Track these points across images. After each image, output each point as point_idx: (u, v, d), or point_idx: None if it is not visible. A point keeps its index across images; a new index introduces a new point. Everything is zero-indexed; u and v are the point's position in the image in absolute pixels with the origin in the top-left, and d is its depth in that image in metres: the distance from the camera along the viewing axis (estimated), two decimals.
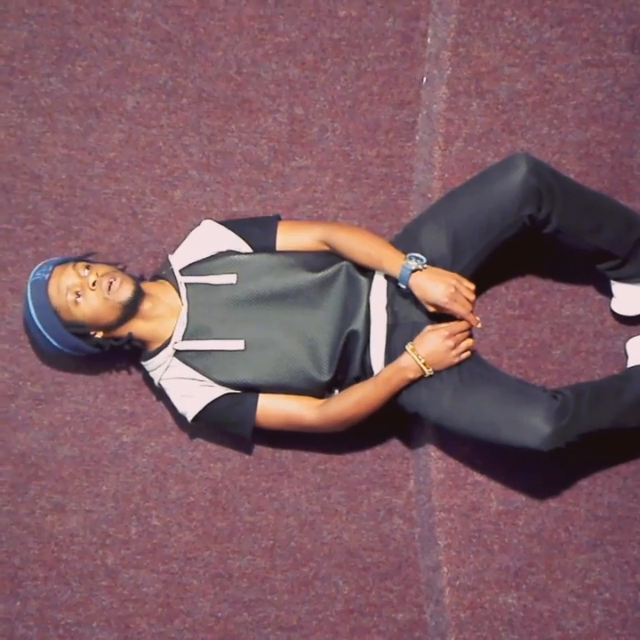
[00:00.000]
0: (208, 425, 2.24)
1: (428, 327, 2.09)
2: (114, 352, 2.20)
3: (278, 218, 2.25)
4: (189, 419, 2.17)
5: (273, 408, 2.15)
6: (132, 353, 2.23)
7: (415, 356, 2.07)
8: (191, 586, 2.33)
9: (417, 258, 2.07)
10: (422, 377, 2.08)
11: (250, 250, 2.19)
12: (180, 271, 2.18)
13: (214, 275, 2.16)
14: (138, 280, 2.14)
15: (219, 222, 2.22)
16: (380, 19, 2.38)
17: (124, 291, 2.07)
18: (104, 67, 2.37)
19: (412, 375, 2.08)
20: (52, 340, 2.13)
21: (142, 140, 2.38)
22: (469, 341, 2.10)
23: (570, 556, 2.26)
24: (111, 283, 2.07)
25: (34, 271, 2.15)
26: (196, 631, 2.32)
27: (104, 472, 2.33)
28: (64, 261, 2.16)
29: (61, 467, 2.33)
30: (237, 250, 2.19)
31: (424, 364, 2.07)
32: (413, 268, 2.06)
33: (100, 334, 2.13)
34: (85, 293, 2.07)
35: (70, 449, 2.33)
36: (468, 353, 2.10)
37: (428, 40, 2.38)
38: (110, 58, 2.38)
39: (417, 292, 2.07)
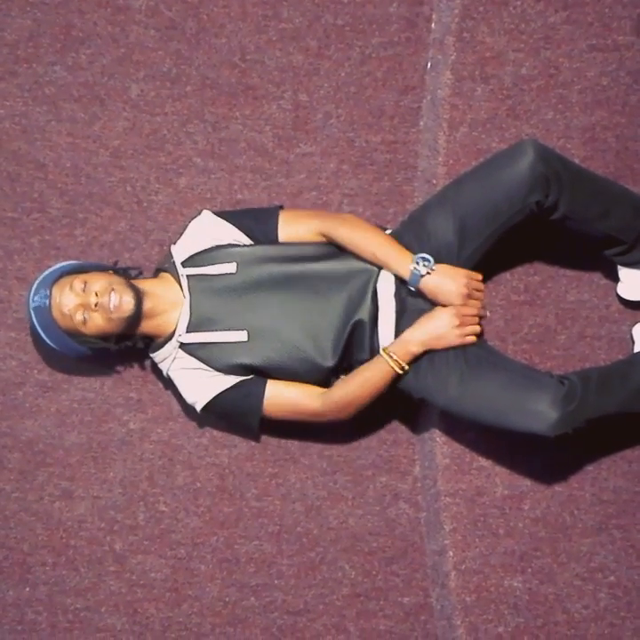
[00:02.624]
0: (216, 416, 2.21)
1: (438, 307, 2.07)
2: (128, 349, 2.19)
3: (280, 207, 2.21)
4: (199, 409, 2.15)
5: (280, 396, 2.12)
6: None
7: (388, 359, 2.05)
8: (199, 571, 2.31)
9: (424, 259, 2.04)
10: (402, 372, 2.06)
11: (251, 241, 2.16)
12: (182, 263, 2.15)
13: (214, 265, 2.13)
14: (136, 289, 2.09)
15: (218, 214, 2.18)
16: (384, 4, 2.34)
17: (126, 305, 2.05)
18: (108, 55, 2.34)
19: (399, 369, 2.05)
20: (68, 354, 2.15)
21: (147, 128, 2.35)
22: (476, 328, 2.08)
23: (575, 540, 2.24)
24: (111, 299, 2.04)
25: (31, 294, 2.11)
26: (203, 615, 2.30)
27: (111, 459, 2.32)
28: (58, 276, 2.10)
29: (69, 453, 2.31)
30: (238, 242, 2.16)
31: (400, 360, 2.04)
32: (423, 272, 2.03)
33: (111, 342, 2.12)
34: (89, 315, 2.05)
35: (78, 436, 2.31)
36: (473, 338, 2.07)
37: (433, 25, 2.34)
38: (114, 46, 2.34)
39: (429, 296, 2.06)
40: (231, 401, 2.13)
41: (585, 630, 2.22)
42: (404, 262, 2.05)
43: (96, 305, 2.04)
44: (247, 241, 2.16)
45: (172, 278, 2.15)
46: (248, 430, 2.26)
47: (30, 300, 2.10)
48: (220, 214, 2.18)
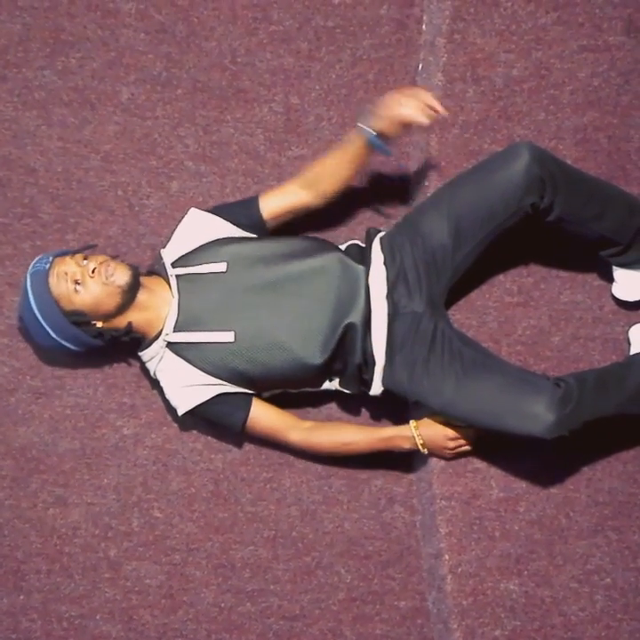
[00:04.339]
0: (198, 420, 2.19)
1: (439, 420, 2.10)
2: (113, 344, 2.13)
3: (256, 197, 2.16)
4: (179, 414, 2.12)
5: (262, 421, 2.12)
6: (130, 345, 2.15)
7: (416, 435, 2.10)
8: (194, 577, 2.26)
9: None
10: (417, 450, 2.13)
11: (242, 233, 2.12)
12: (172, 264, 2.11)
13: (204, 264, 2.09)
14: (135, 267, 2.08)
15: (205, 209, 2.15)
16: (375, 6, 2.30)
17: (123, 275, 2.03)
18: (98, 58, 2.30)
19: (407, 446, 2.13)
20: (50, 331, 2.06)
21: (138, 132, 2.30)
22: (467, 448, 2.13)
23: (571, 542, 2.19)
24: (108, 267, 2.02)
25: (33, 263, 2.09)
26: (199, 622, 2.25)
27: (105, 465, 2.26)
28: (63, 253, 2.10)
29: (62, 460, 2.25)
30: (229, 236, 2.11)
31: (422, 444, 2.11)
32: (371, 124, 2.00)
33: (99, 323, 2.07)
34: (85, 281, 2.02)
35: (71, 442, 2.26)
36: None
37: (424, 27, 2.30)
38: (104, 49, 2.29)
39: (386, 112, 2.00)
40: (213, 414, 2.11)
41: (581, 633, 2.17)
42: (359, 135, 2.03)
43: (93, 271, 2.01)
44: (237, 232, 2.12)
45: (162, 279, 2.12)
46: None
47: (30, 267, 2.08)
48: (210, 210, 2.15)
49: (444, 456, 2.15)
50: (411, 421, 2.12)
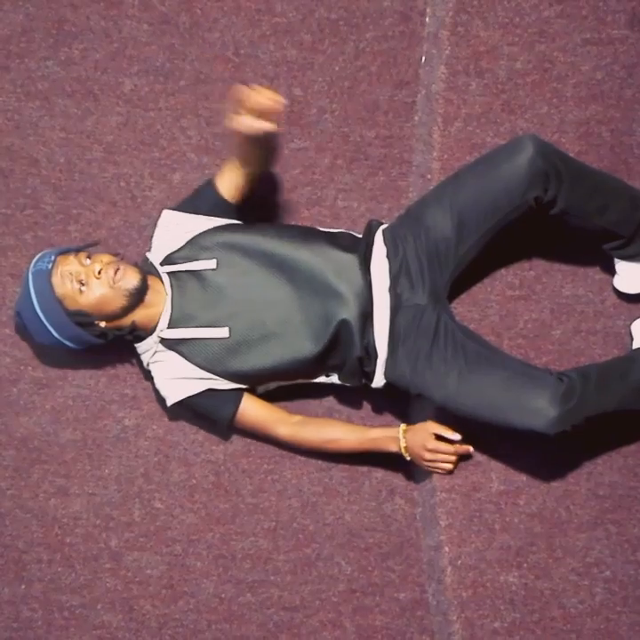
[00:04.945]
0: (188, 411, 2.19)
1: (431, 424, 2.08)
2: (114, 342, 2.12)
3: (210, 180, 2.12)
4: (168, 404, 2.12)
5: (250, 415, 2.12)
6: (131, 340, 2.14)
7: (402, 438, 2.08)
8: (194, 567, 2.25)
9: None
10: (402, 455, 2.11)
11: (218, 221, 2.09)
12: (160, 263, 2.10)
13: (194, 261, 2.07)
14: (143, 270, 2.06)
15: (174, 208, 2.12)
16: None
17: (131, 278, 2.01)
18: (101, 49, 2.28)
19: (394, 449, 2.10)
20: (53, 331, 2.05)
21: (140, 123, 2.29)
22: (448, 466, 2.11)
23: (570, 535, 2.18)
24: (117, 271, 1.99)
25: (34, 261, 2.06)
26: (199, 612, 2.24)
27: (106, 455, 2.25)
28: (66, 251, 2.08)
29: (64, 450, 2.25)
30: (207, 228, 2.09)
31: (405, 447, 2.08)
32: None
33: (103, 323, 2.05)
34: (90, 281, 2.00)
35: (73, 433, 2.25)
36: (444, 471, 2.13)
37: (427, 19, 2.28)
38: (107, 40, 2.28)
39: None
40: (201, 406, 2.11)
41: (581, 625, 2.16)
42: None
43: (99, 272, 1.99)
44: (211, 222, 2.09)
45: (155, 277, 2.10)
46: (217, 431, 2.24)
47: (31, 266, 2.05)
48: (177, 208, 2.12)
49: (422, 466, 2.11)
50: (401, 425, 2.10)
